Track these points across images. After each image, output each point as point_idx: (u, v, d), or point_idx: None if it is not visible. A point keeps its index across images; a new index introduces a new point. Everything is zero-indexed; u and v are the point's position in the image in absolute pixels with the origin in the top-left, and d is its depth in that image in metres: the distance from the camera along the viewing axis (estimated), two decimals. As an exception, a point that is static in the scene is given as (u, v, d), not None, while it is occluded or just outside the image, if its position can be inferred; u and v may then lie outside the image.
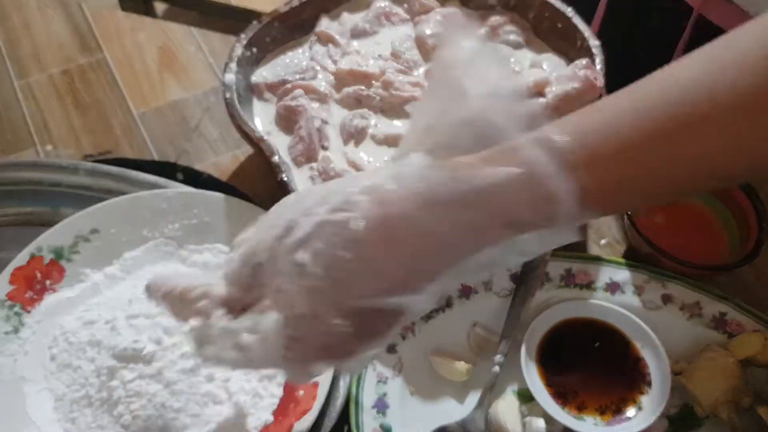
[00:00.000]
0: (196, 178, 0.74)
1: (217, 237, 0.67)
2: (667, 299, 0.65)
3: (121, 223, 0.66)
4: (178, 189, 0.69)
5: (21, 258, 0.63)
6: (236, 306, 0.42)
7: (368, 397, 0.59)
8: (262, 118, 0.72)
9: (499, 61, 0.43)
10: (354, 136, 0.69)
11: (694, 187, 0.48)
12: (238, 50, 0.71)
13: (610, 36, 0.76)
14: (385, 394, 0.60)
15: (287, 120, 0.70)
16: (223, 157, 0.77)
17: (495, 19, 0.77)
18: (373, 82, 0.72)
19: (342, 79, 0.73)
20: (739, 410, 0.60)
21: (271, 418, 0.58)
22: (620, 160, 0.39)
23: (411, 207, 0.39)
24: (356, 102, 0.72)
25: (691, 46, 0.41)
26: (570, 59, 0.74)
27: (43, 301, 0.63)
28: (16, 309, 0.62)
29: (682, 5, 0.77)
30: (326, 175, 0.66)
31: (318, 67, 0.74)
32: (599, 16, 0.89)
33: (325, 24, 0.77)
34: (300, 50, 0.76)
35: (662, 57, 0.45)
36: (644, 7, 0.85)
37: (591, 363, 0.62)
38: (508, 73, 0.41)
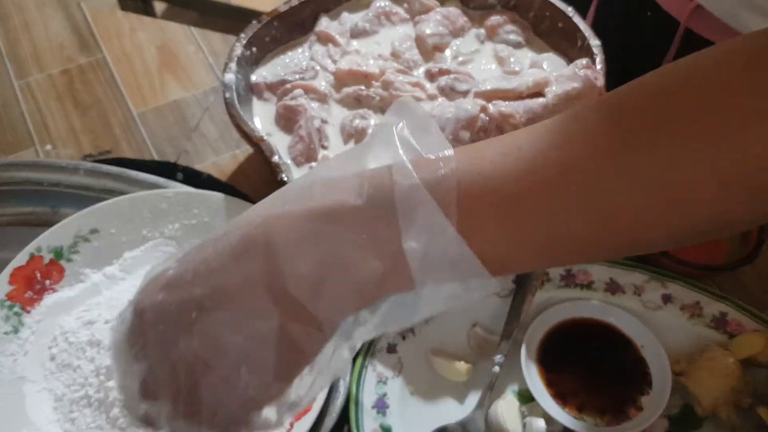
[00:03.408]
0: (196, 178, 0.74)
1: (217, 237, 0.67)
2: (667, 299, 0.65)
3: (120, 223, 0.66)
4: (177, 189, 0.69)
5: (20, 258, 0.63)
6: None
7: (368, 397, 0.59)
8: (261, 118, 0.71)
9: None
10: (354, 136, 0.69)
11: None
12: (238, 50, 0.71)
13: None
14: (385, 394, 0.60)
15: (287, 120, 0.70)
16: (223, 157, 0.77)
17: (495, 18, 0.77)
18: (373, 82, 0.72)
19: (342, 78, 0.73)
20: (739, 410, 0.60)
21: (271, 419, 0.58)
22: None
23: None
24: (356, 102, 0.72)
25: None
26: (570, 59, 0.74)
27: (43, 301, 0.63)
28: (16, 309, 0.62)
29: (669, 19, 0.76)
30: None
31: (318, 67, 0.74)
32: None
33: (324, 23, 0.77)
34: (300, 50, 0.76)
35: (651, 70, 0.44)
36: (631, 20, 0.83)
37: (591, 363, 0.62)
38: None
